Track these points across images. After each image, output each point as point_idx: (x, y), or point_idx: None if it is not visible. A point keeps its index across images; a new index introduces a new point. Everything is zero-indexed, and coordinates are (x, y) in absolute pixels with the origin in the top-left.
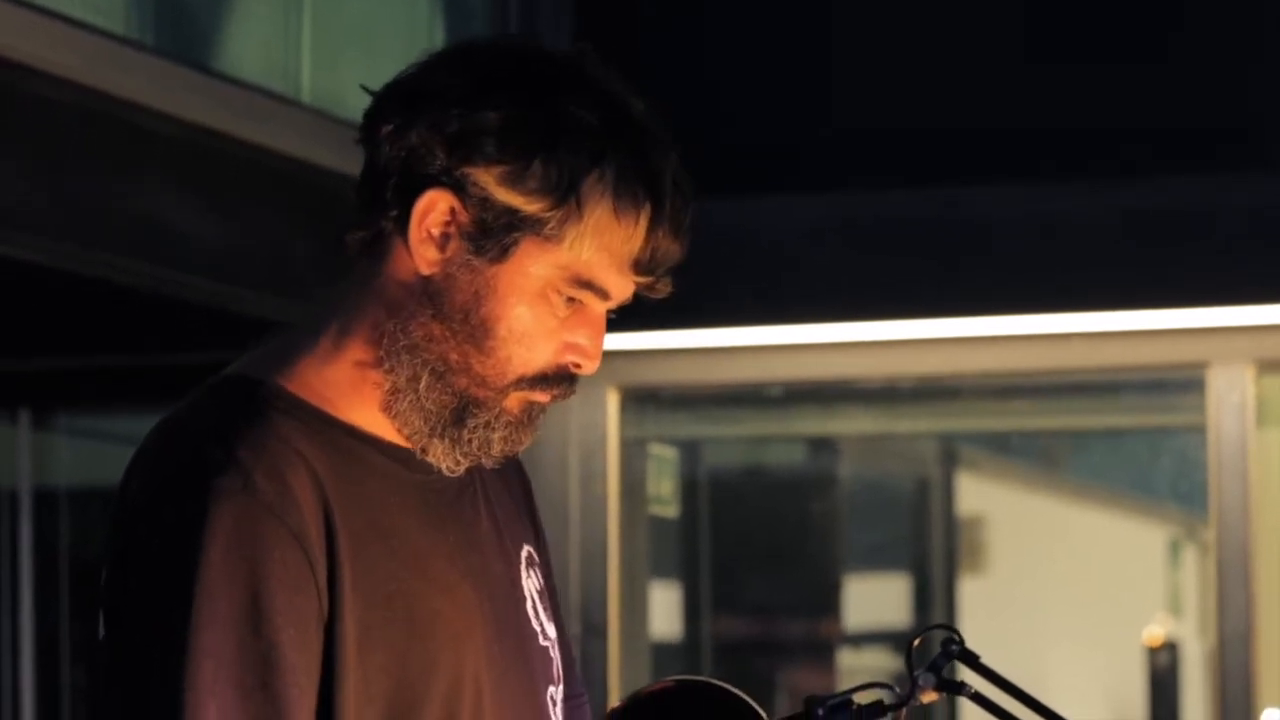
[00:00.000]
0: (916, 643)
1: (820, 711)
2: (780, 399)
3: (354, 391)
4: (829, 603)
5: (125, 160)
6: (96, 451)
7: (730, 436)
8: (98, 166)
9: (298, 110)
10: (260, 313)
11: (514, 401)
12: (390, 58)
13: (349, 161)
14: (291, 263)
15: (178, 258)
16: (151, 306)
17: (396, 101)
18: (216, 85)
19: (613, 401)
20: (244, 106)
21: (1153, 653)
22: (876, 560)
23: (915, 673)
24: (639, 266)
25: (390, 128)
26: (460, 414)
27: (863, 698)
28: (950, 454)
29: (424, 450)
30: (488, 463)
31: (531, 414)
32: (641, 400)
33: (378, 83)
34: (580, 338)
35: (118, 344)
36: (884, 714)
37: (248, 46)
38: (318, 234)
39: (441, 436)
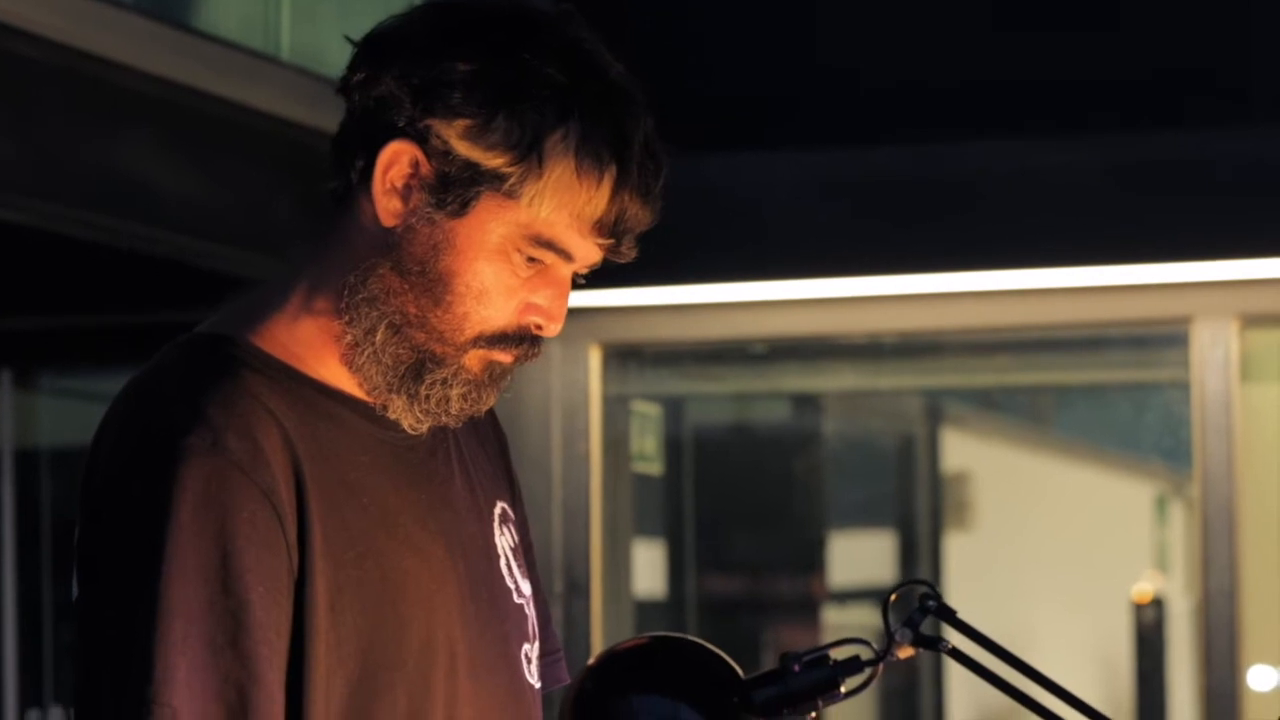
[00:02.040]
0: (893, 598)
1: (796, 667)
2: (764, 355)
3: (324, 347)
4: (814, 560)
5: (105, 118)
6: (79, 411)
7: (714, 393)
8: (77, 125)
9: (277, 67)
10: (241, 270)
11: (474, 360)
12: (369, 15)
13: (328, 118)
14: (271, 220)
15: (158, 216)
16: (132, 265)
17: (369, 51)
18: (196, 43)
19: (595, 359)
20: (223, 64)
21: (1139, 609)
22: (861, 517)
23: (892, 628)
24: (602, 229)
25: (361, 77)
26: (418, 369)
27: (839, 653)
28: (935, 410)
29: (384, 406)
30: (449, 421)
31: (494, 374)
32: (624, 357)
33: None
34: (541, 298)
35: (99, 303)
36: (860, 669)
37: (227, 3)
38: (297, 191)
39: (399, 392)
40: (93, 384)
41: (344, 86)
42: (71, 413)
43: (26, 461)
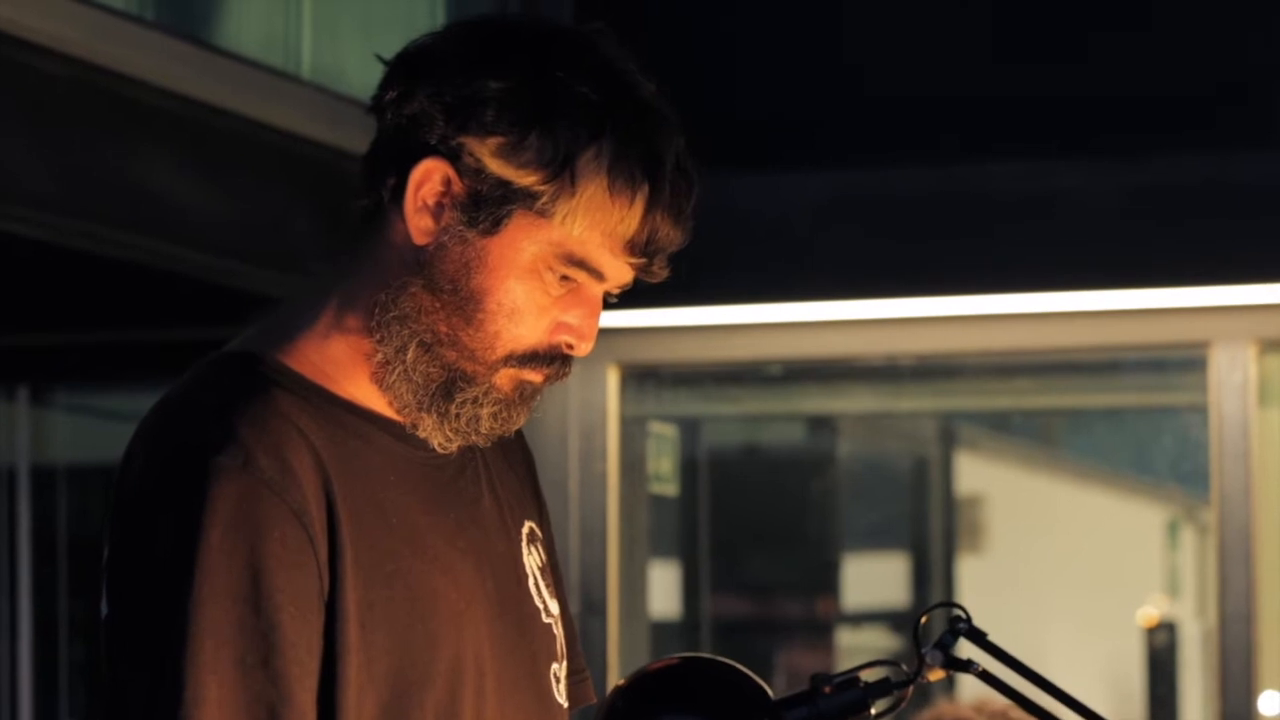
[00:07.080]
0: (923, 620)
1: (826, 689)
2: (780, 377)
3: (354, 366)
4: (828, 582)
5: (125, 135)
6: (95, 427)
7: (730, 415)
8: (98, 142)
9: (297, 85)
10: (260, 288)
11: (505, 379)
12: (390, 33)
13: (348, 136)
14: (291, 238)
15: (177, 233)
16: (151, 282)
17: (402, 70)
18: (217, 60)
19: (613, 379)
20: (244, 81)
21: (1151, 633)
22: (875, 539)
23: (923, 650)
24: (634, 248)
25: (393, 95)
26: (448, 388)
27: (869, 675)
28: (950, 433)
29: (415, 425)
30: (479, 440)
31: (524, 393)
32: (641, 378)
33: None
34: (573, 317)
35: (117, 319)
36: (890, 692)
37: (248, 21)
38: (317, 209)
39: (430, 410)
40: (109, 400)
41: (376, 105)
42: (87, 429)
43: (42, 478)
